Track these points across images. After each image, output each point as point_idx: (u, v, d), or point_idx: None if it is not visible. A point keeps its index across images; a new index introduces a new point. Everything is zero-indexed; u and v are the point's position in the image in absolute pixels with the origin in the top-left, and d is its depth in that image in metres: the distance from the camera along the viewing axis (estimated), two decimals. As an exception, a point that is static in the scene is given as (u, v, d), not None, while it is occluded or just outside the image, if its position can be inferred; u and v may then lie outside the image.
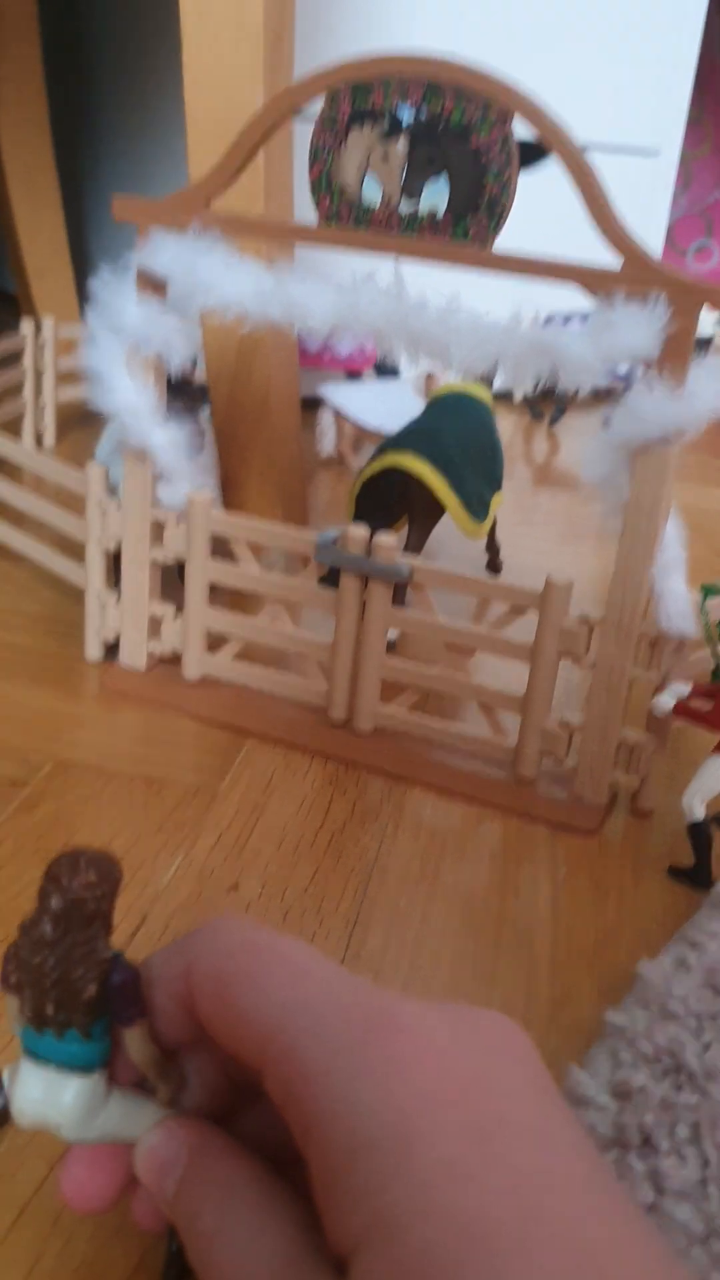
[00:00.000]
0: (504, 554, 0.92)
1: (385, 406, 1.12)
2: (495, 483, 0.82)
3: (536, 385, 1.37)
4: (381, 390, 1.18)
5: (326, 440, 1.14)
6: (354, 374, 1.26)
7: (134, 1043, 0.29)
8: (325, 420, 1.14)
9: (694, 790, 0.56)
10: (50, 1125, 0.29)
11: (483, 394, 0.85)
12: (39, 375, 1.08)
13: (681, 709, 0.56)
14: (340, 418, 1.13)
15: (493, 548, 0.91)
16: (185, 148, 0.76)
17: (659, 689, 0.57)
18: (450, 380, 0.93)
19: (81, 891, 0.27)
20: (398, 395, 1.14)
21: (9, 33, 1.19)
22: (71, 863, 0.28)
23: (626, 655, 0.57)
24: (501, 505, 0.84)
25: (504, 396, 1.42)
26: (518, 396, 1.42)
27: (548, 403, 1.40)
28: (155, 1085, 0.30)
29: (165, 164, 1.45)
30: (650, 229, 1.41)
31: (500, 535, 0.91)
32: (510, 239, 0.55)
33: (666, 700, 0.56)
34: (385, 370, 1.26)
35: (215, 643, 0.67)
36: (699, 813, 0.55)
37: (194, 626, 0.66)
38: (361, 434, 1.13)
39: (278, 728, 0.65)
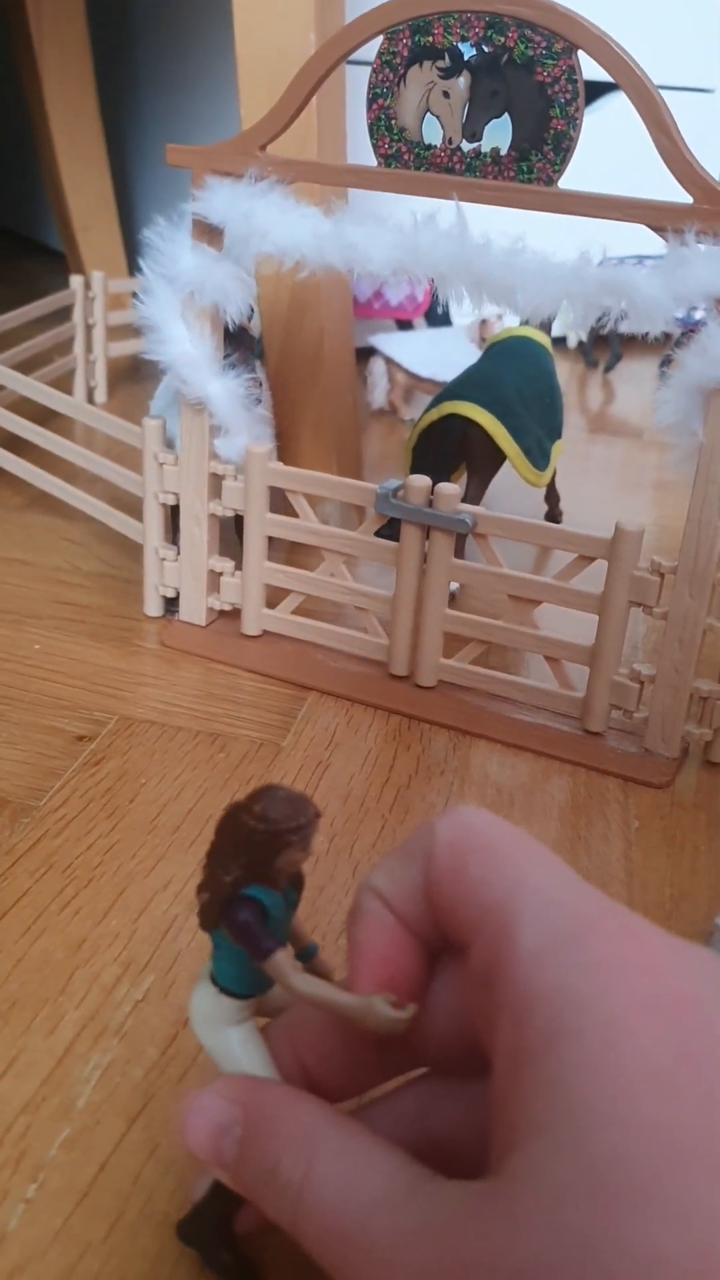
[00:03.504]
0: (562, 504, 0.90)
1: (438, 355, 1.10)
2: (555, 430, 0.80)
3: (591, 332, 1.34)
4: (434, 338, 1.16)
5: (378, 391, 1.12)
6: (405, 323, 1.24)
7: (281, 979, 0.29)
8: (377, 371, 1.12)
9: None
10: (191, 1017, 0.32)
11: (542, 339, 0.83)
12: (89, 330, 1.07)
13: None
14: (392, 367, 1.11)
15: (552, 498, 0.89)
16: (230, 99, 0.75)
17: (733, 639, 0.56)
18: (508, 325, 0.91)
19: (242, 814, 0.29)
20: (451, 343, 1.12)
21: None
22: (263, 792, 0.29)
23: (701, 604, 0.55)
24: (560, 454, 0.82)
25: (558, 342, 1.39)
26: (572, 343, 1.39)
27: (603, 349, 1.38)
28: (339, 1003, 0.29)
29: (210, 117, 1.42)
30: (708, 168, 1.37)
31: (558, 485, 0.89)
32: (568, 184, 0.53)
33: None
34: (437, 318, 1.24)
35: (274, 597, 0.67)
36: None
37: (253, 581, 0.66)
38: (414, 384, 1.11)
39: (339, 683, 0.64)
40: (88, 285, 1.05)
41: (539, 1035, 0.23)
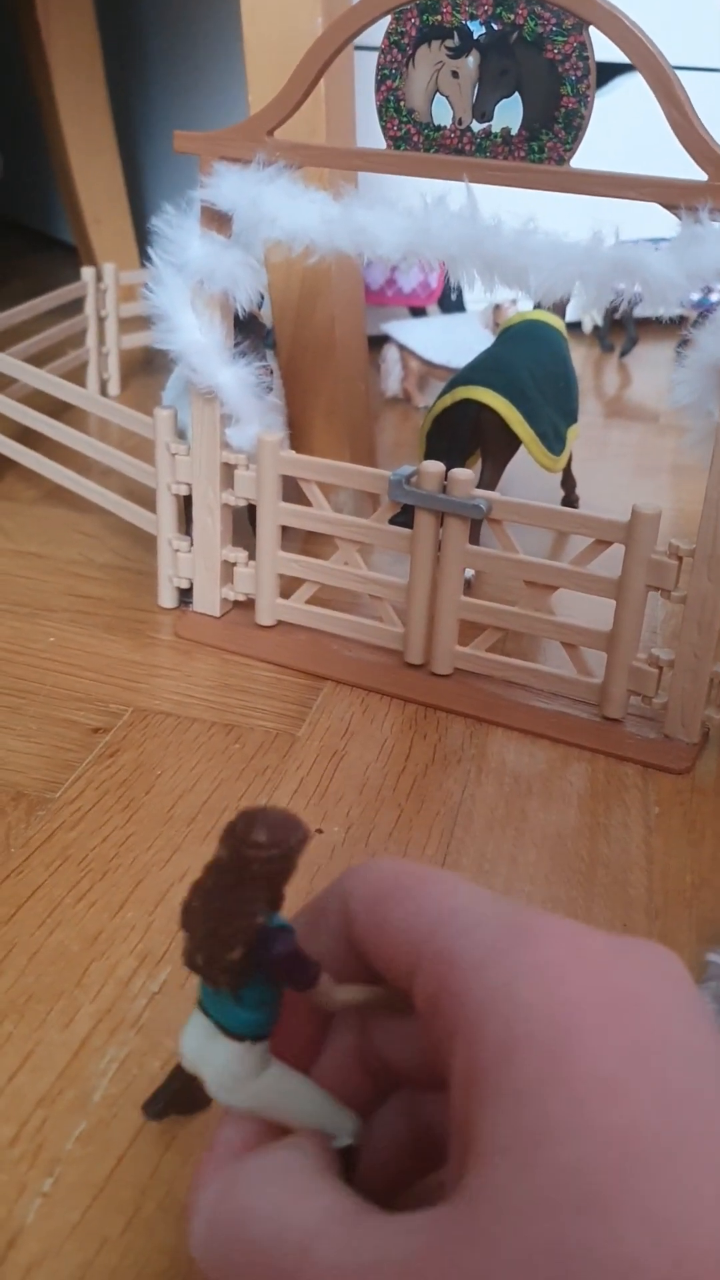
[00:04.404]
0: (578, 489, 0.89)
1: (452, 341, 1.09)
2: (570, 415, 0.79)
3: (607, 316, 1.33)
4: (447, 325, 1.15)
5: (392, 379, 1.12)
6: (418, 310, 1.23)
7: (325, 998, 0.28)
8: (390, 358, 1.12)
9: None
10: (201, 1075, 0.28)
11: (556, 323, 0.83)
12: (101, 322, 1.07)
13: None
14: (406, 355, 1.10)
15: (568, 483, 0.88)
16: (241, 88, 0.74)
17: (752, 622, 0.55)
18: (521, 310, 0.90)
19: (246, 850, 0.26)
20: (464, 329, 1.11)
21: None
22: (249, 818, 0.26)
23: (719, 588, 0.54)
24: (575, 439, 0.81)
25: (574, 327, 1.38)
26: (587, 327, 1.38)
27: (618, 334, 1.37)
28: (384, 1002, 0.29)
29: (221, 106, 1.42)
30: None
31: (574, 470, 0.88)
32: (582, 165, 0.52)
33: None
34: (450, 305, 1.23)
35: (288, 587, 0.66)
36: None
37: (266, 571, 0.65)
38: (428, 371, 1.11)
39: (354, 672, 0.63)
40: (99, 277, 1.05)
41: (491, 1050, 0.23)
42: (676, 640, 0.56)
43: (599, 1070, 0.22)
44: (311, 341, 0.79)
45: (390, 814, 0.53)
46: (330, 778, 0.55)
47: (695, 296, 1.12)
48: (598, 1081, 0.22)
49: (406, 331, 1.10)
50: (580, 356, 1.32)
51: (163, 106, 1.49)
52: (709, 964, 0.44)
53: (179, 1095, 0.32)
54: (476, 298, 1.19)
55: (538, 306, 0.84)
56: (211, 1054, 0.28)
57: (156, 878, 0.48)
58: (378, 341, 1.13)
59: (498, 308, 1.04)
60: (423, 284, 1.18)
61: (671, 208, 0.50)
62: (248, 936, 0.26)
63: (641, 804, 0.55)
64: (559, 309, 0.84)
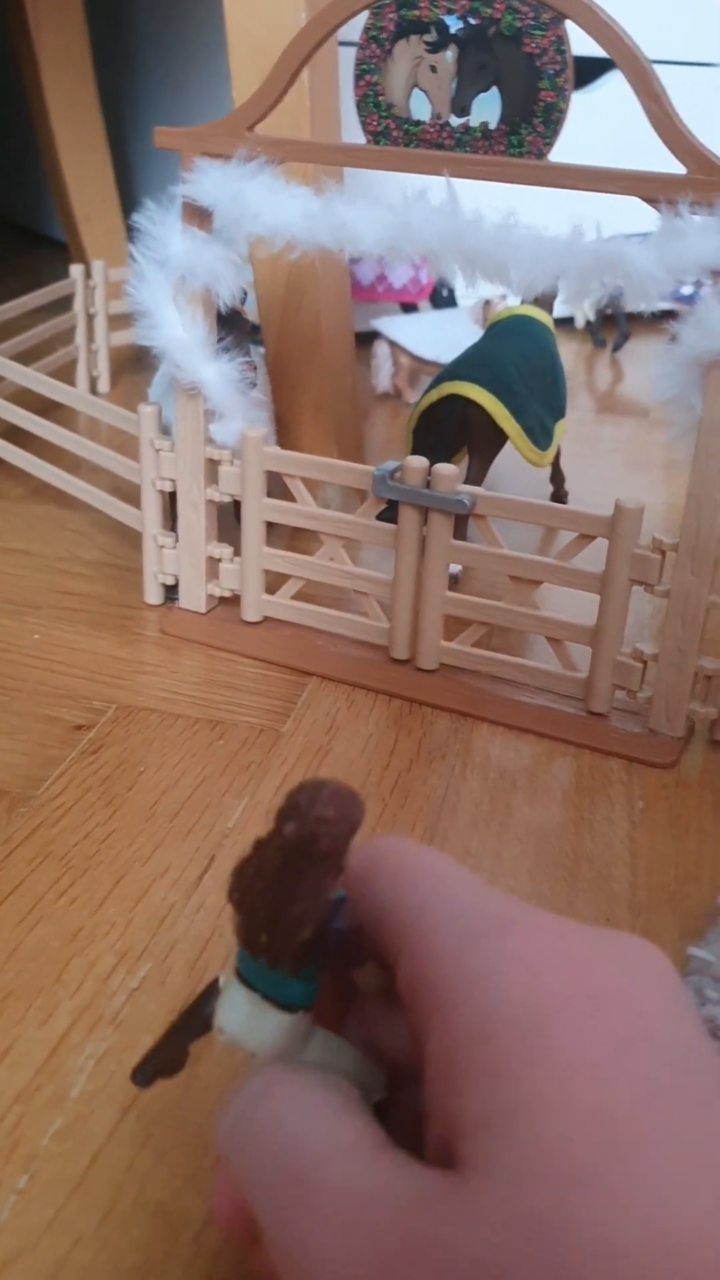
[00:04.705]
0: (569, 485, 0.89)
1: (442, 337, 1.09)
2: (558, 410, 0.79)
3: (599, 311, 1.33)
4: (438, 321, 1.15)
5: (382, 375, 1.12)
6: (409, 306, 1.23)
7: (367, 976, 0.28)
8: (380, 354, 1.11)
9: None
10: (245, 1049, 0.28)
11: (543, 318, 0.82)
12: (90, 319, 1.07)
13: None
14: (396, 351, 1.10)
15: (557, 478, 0.88)
16: (230, 85, 0.74)
17: (735, 616, 0.55)
18: (510, 305, 0.90)
19: (315, 826, 0.25)
20: (455, 325, 1.11)
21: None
22: (314, 792, 0.26)
23: (703, 581, 0.54)
24: (565, 434, 0.81)
25: (565, 322, 1.38)
26: (579, 323, 1.38)
27: (610, 329, 1.36)
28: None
29: (210, 104, 1.42)
30: (712, 144, 1.35)
31: (564, 466, 0.88)
32: (566, 160, 0.52)
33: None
34: (441, 301, 1.23)
35: (275, 583, 0.66)
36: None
37: (251, 567, 0.65)
38: (418, 367, 1.11)
39: (340, 668, 0.63)
40: (88, 274, 1.05)
41: (472, 1031, 0.23)
42: (663, 634, 0.56)
43: (578, 1053, 0.22)
44: (297, 337, 0.79)
45: (374, 809, 0.53)
46: (314, 773, 0.55)
47: (687, 290, 1.12)
48: (578, 1063, 0.22)
49: (396, 327, 1.10)
50: (572, 352, 1.32)
51: (153, 103, 1.49)
52: (691, 958, 0.44)
53: (166, 1062, 0.32)
54: (468, 294, 1.19)
55: (525, 301, 0.84)
56: (261, 1027, 0.28)
57: (138, 874, 0.47)
58: (368, 337, 1.13)
59: (488, 303, 1.04)
60: (414, 280, 1.18)
61: (651, 201, 0.50)
62: (320, 915, 0.26)
63: (626, 798, 0.55)
64: (546, 304, 0.84)
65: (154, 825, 0.50)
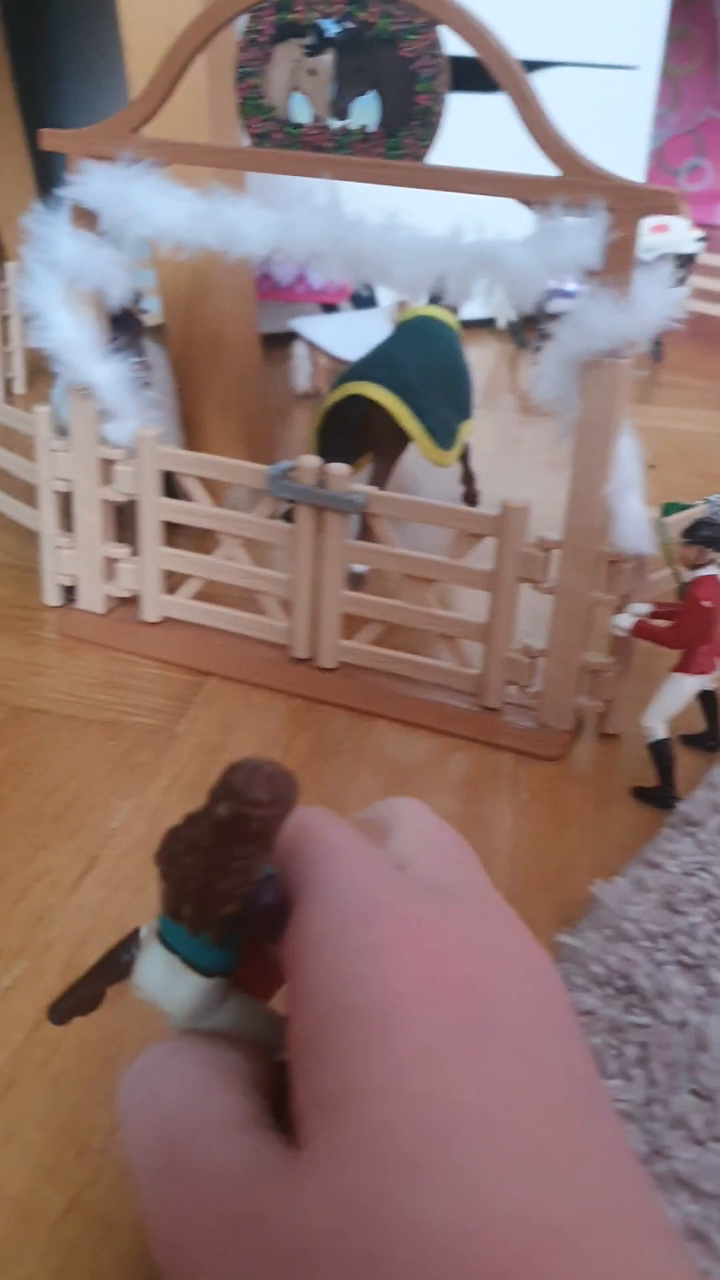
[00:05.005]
0: (487, 484, 0.90)
1: (361, 337, 1.09)
2: (463, 410, 0.80)
3: (519, 312, 1.34)
4: (357, 321, 1.16)
5: (301, 375, 1.12)
6: (330, 306, 1.24)
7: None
8: (299, 354, 1.12)
9: (654, 710, 0.55)
10: (160, 1008, 0.28)
11: (447, 318, 0.83)
12: (5, 322, 1.06)
13: (641, 628, 0.55)
14: (315, 351, 1.11)
15: (468, 478, 0.89)
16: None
17: (618, 610, 0.56)
18: (418, 306, 0.90)
19: (249, 808, 0.26)
20: (372, 325, 1.11)
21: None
22: (249, 774, 0.26)
23: (586, 578, 0.55)
24: (477, 434, 0.82)
25: (487, 323, 1.39)
26: (501, 323, 1.39)
27: (531, 330, 1.38)
28: None
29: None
30: (632, 147, 1.37)
31: (483, 465, 0.89)
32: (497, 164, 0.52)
33: (624, 620, 0.55)
34: (362, 301, 1.24)
35: (176, 583, 0.66)
36: (659, 732, 0.54)
37: (150, 567, 0.65)
38: (337, 367, 1.11)
39: (239, 667, 0.64)
40: (1, 276, 1.04)
41: (319, 1015, 0.24)
42: (550, 629, 0.57)
43: (419, 1041, 0.23)
44: (201, 338, 0.79)
45: (263, 807, 0.53)
46: (207, 772, 0.56)
47: (570, 287, 1.13)
48: (417, 1051, 0.23)
49: (314, 327, 1.11)
50: (494, 353, 1.33)
51: (73, 103, 1.48)
52: (561, 946, 0.44)
53: (82, 1001, 0.32)
54: (388, 294, 1.19)
55: (433, 302, 0.85)
56: (177, 988, 0.28)
57: (19, 875, 0.48)
58: (288, 338, 1.13)
59: (401, 304, 1.04)
60: (332, 280, 1.19)
61: (527, 203, 0.51)
62: (246, 891, 0.26)
63: (513, 792, 0.55)
64: (452, 305, 0.85)
65: (38, 827, 0.50)
